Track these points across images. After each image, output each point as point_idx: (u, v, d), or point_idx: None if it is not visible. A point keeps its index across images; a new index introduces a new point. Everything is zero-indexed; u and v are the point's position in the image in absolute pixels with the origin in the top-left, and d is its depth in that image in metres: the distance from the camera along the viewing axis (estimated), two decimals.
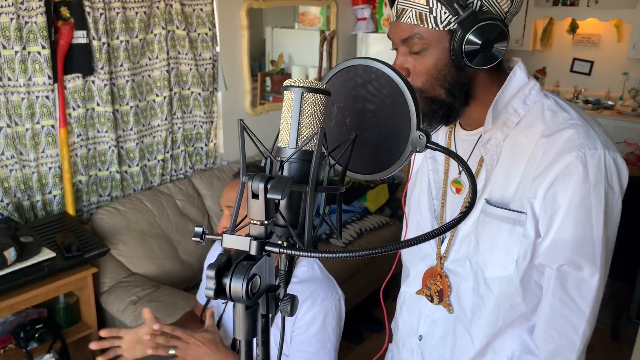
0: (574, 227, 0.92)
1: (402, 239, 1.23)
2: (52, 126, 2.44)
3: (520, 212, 0.95)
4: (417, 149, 0.71)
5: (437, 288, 1.11)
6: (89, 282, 2.25)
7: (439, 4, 0.88)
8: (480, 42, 0.87)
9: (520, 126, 0.97)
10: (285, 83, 0.64)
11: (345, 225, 3.29)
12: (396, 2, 0.94)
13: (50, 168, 2.47)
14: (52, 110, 2.42)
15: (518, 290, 1.00)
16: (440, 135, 1.14)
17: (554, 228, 0.93)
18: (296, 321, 1.36)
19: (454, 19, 0.88)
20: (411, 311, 1.21)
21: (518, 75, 0.99)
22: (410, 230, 1.21)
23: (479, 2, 0.88)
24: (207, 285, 0.56)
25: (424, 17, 0.90)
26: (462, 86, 0.95)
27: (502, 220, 0.97)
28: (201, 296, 1.70)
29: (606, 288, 3.20)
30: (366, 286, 3.18)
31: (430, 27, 0.90)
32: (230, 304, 1.49)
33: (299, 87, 0.63)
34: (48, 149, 2.45)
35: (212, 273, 0.55)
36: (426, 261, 1.15)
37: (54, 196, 2.51)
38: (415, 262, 1.19)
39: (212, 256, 1.67)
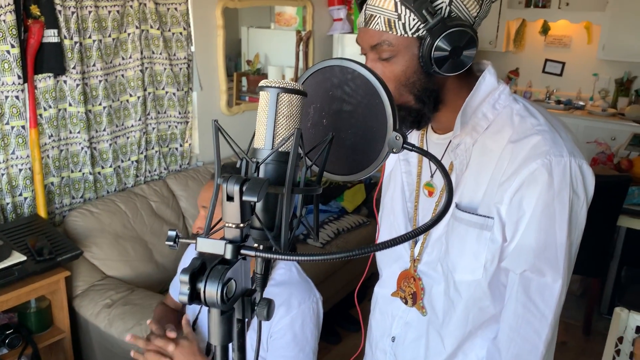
0: (537, 233, 0.92)
1: (375, 241, 1.24)
2: (23, 127, 2.38)
3: (488, 217, 0.96)
4: (394, 150, 0.71)
5: (411, 290, 1.11)
6: (62, 285, 2.21)
7: (407, 11, 0.87)
8: (449, 49, 0.87)
9: (490, 131, 0.97)
10: (261, 83, 0.63)
11: (323, 225, 3.29)
12: (365, 8, 0.93)
13: (20, 170, 2.42)
14: (22, 111, 2.36)
15: (487, 294, 1.01)
16: (412, 139, 1.14)
17: (519, 233, 0.94)
18: (273, 325, 1.35)
19: (422, 25, 0.87)
20: (384, 312, 1.22)
21: (487, 80, 0.99)
22: (384, 232, 1.21)
23: (448, 9, 0.88)
24: (181, 290, 0.55)
25: (393, 24, 0.89)
26: (431, 92, 0.95)
27: (470, 225, 0.98)
28: (174, 290, 1.69)
29: (578, 284, 3.24)
30: (343, 286, 3.19)
31: (399, 33, 0.89)
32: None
33: (274, 87, 0.62)
34: (18, 150, 2.39)
35: (186, 278, 0.54)
36: (399, 263, 1.15)
37: (25, 198, 2.45)
38: (389, 264, 1.19)
39: (187, 259, 1.65)
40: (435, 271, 1.06)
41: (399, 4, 0.87)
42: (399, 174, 1.15)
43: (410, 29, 0.89)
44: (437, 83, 0.95)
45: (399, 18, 0.88)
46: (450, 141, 1.02)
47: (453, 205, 1.00)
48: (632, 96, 5.05)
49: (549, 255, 0.93)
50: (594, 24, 5.06)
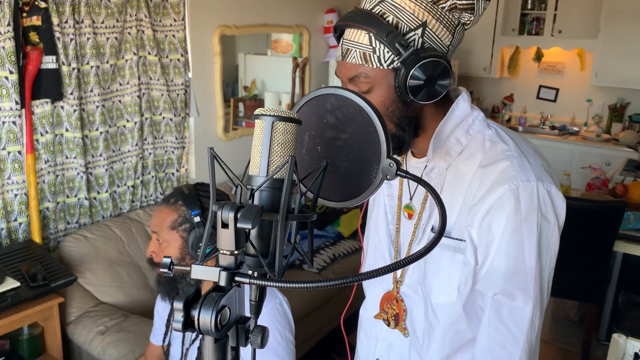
0: (507, 257, 0.94)
1: (361, 263, 1.25)
2: (19, 152, 2.39)
3: (460, 240, 0.98)
4: (388, 177, 0.72)
5: (394, 312, 1.13)
6: (55, 312, 2.18)
7: (381, 45, 0.90)
8: (423, 79, 0.90)
9: (463, 156, 1.00)
10: (256, 112, 0.64)
11: (319, 250, 3.28)
12: (341, 42, 0.96)
13: (16, 195, 2.41)
14: (19, 136, 2.37)
15: (462, 317, 1.02)
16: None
17: (490, 257, 0.95)
18: None
19: (396, 58, 0.91)
20: (368, 334, 1.23)
21: (461, 106, 1.01)
22: (369, 254, 1.22)
23: (421, 40, 0.91)
24: (175, 317, 0.55)
25: (368, 57, 0.92)
26: (410, 120, 0.97)
27: (444, 248, 1.00)
28: (155, 338, 1.67)
29: (575, 310, 3.21)
30: (339, 312, 3.16)
31: (374, 66, 0.92)
32: (176, 337, 1.47)
33: (269, 115, 0.63)
34: (14, 175, 2.39)
35: (180, 305, 0.54)
36: (383, 285, 1.16)
37: (20, 224, 2.44)
38: (372, 286, 1.21)
39: (160, 303, 1.66)
40: (416, 293, 1.08)
41: (372, 38, 0.91)
42: (382, 197, 1.17)
43: (385, 61, 0.92)
44: (415, 110, 0.98)
45: (374, 51, 0.91)
46: (426, 165, 1.05)
47: (429, 228, 1.03)
48: (625, 122, 5.10)
49: (519, 279, 0.94)
50: (587, 51, 5.14)
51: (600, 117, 5.26)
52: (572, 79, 5.41)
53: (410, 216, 1.10)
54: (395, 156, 1.06)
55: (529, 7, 5.37)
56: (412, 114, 0.97)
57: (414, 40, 0.91)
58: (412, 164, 1.10)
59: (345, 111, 0.76)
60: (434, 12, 0.91)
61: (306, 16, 4.01)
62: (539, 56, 5.44)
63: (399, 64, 0.91)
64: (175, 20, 2.95)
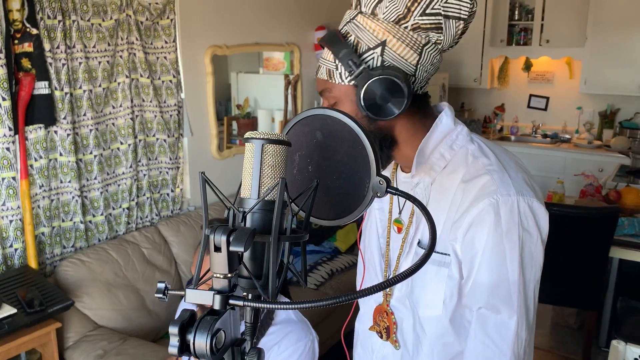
0: (489, 271, 0.94)
1: (361, 277, 1.25)
2: (13, 178, 2.39)
3: (445, 254, 0.98)
4: (378, 194, 0.73)
5: (385, 324, 1.14)
6: (53, 337, 2.17)
7: (339, 62, 0.94)
8: (375, 96, 0.92)
9: (446, 170, 1.01)
10: (246, 135, 0.65)
11: (316, 266, 3.28)
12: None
13: (11, 221, 2.41)
14: (13, 162, 2.37)
15: (449, 331, 1.02)
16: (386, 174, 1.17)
17: (474, 271, 0.96)
18: None
19: (350, 75, 0.94)
20: (364, 347, 1.25)
21: (444, 122, 1.02)
22: (368, 268, 1.23)
23: (380, 58, 0.93)
24: (170, 342, 0.55)
25: (332, 73, 0.97)
26: (377, 134, 0.99)
27: (429, 262, 0.99)
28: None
29: (575, 318, 3.21)
30: (339, 327, 3.15)
31: (337, 82, 0.96)
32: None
33: (259, 139, 0.64)
34: (9, 201, 2.39)
35: (175, 330, 0.54)
36: (375, 297, 1.17)
37: (15, 249, 2.44)
38: (366, 299, 1.22)
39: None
40: (405, 306, 1.09)
41: (334, 56, 0.95)
42: (374, 211, 1.18)
43: (346, 78, 0.95)
44: (385, 126, 0.99)
45: (337, 68, 0.95)
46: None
47: (415, 242, 1.04)
48: (616, 128, 5.14)
49: (502, 293, 0.94)
50: (575, 59, 5.20)
51: (591, 124, 5.31)
52: (562, 87, 5.47)
53: (399, 230, 1.12)
54: (384, 173, 1.08)
55: (516, 17, 5.44)
56: (381, 129, 0.99)
57: (373, 58, 0.93)
58: (401, 178, 1.12)
59: (334, 130, 0.77)
60: (394, 32, 0.92)
61: (297, 34, 4.05)
62: (528, 66, 5.50)
63: (352, 80, 0.94)
64: (166, 42, 2.97)
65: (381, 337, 1.16)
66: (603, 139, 5.15)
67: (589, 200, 3.32)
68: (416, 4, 0.91)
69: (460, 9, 0.92)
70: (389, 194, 0.73)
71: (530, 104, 5.65)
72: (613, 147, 4.87)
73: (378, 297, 1.15)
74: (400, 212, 1.12)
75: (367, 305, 1.21)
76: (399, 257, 1.10)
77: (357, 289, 1.19)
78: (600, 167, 4.82)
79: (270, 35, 3.81)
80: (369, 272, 1.20)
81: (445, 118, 1.02)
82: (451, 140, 1.02)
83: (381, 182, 0.72)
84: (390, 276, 1.12)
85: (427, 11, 0.91)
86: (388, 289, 1.11)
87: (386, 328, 1.13)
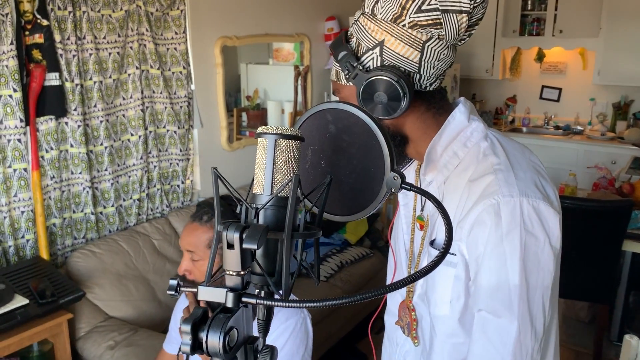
0: (489, 273, 0.92)
1: (390, 270, 1.25)
2: (25, 169, 2.40)
3: (451, 254, 0.96)
4: (392, 190, 0.72)
5: (407, 320, 1.13)
6: (64, 328, 2.19)
7: (339, 64, 0.96)
8: (372, 95, 0.92)
9: (459, 169, 0.99)
10: (259, 130, 0.64)
11: (326, 258, 3.27)
12: None
13: (22, 212, 2.42)
14: (25, 154, 2.38)
15: (458, 331, 1.00)
16: (409, 175, 1.16)
17: (478, 273, 0.94)
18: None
19: (349, 76, 0.94)
20: (391, 340, 1.25)
21: (457, 118, 1.00)
22: (397, 262, 1.23)
23: (380, 58, 0.92)
24: (183, 340, 0.54)
25: (338, 74, 0.99)
26: (389, 132, 0.98)
27: None
28: (169, 345, 1.65)
29: (586, 311, 3.19)
30: (348, 320, 3.15)
31: (342, 82, 0.98)
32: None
33: (272, 134, 0.63)
34: (20, 192, 2.40)
35: (187, 328, 0.54)
36: (401, 292, 1.16)
37: (27, 240, 2.45)
38: (393, 293, 1.22)
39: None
40: (424, 303, 1.08)
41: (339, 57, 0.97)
42: (400, 206, 1.17)
43: (347, 80, 0.96)
44: (393, 124, 0.99)
45: (342, 69, 0.96)
46: (425, 178, 1.05)
47: (427, 242, 1.04)
48: (630, 119, 5.08)
49: (502, 296, 0.91)
50: (589, 50, 5.13)
51: (604, 115, 5.24)
52: (575, 78, 5.40)
53: (421, 227, 1.10)
54: (406, 171, 1.07)
55: (529, 7, 5.37)
56: (390, 127, 0.99)
57: (373, 59, 0.93)
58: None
59: (347, 124, 0.76)
60: (392, 31, 0.90)
61: (306, 24, 4.02)
62: (540, 56, 5.43)
63: (351, 81, 0.95)
64: (176, 34, 2.96)
65: (404, 332, 1.15)
66: (616, 131, 5.09)
67: (601, 193, 3.28)
68: (410, 2, 0.89)
69: (461, 2, 0.88)
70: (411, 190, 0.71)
71: (543, 95, 5.59)
72: (627, 139, 4.81)
73: (403, 292, 1.15)
74: (422, 209, 1.10)
75: (394, 300, 1.21)
76: (420, 255, 1.09)
77: (388, 283, 1.19)
78: (613, 160, 4.76)
79: (280, 25, 3.78)
80: (399, 267, 1.19)
81: (459, 114, 1.00)
82: (465, 138, 0.99)
83: (396, 178, 0.71)
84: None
85: (423, 8, 0.88)
86: (411, 285, 1.10)
87: (408, 324, 1.13)
